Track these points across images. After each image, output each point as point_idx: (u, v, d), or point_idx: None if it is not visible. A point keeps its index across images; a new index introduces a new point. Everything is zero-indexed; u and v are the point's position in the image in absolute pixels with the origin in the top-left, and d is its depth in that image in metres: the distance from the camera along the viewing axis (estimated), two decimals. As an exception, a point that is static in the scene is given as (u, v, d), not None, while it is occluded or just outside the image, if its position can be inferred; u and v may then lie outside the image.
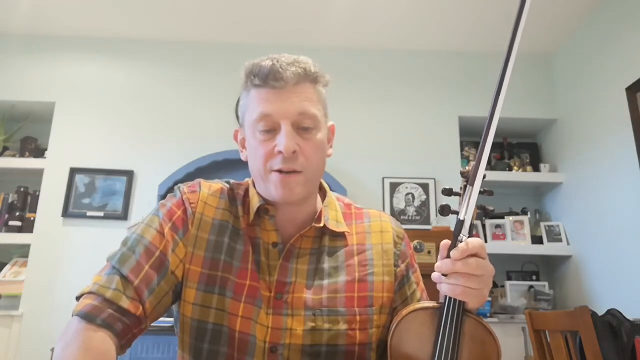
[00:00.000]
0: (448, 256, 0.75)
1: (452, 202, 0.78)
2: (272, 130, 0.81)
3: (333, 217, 0.90)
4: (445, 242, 0.77)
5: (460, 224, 0.76)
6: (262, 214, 0.86)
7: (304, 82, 0.83)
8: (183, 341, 0.83)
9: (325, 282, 0.84)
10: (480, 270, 0.74)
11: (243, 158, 0.90)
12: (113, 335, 0.72)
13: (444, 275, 0.76)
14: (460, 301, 0.75)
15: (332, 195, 0.95)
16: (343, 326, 0.81)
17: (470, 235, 0.76)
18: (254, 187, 0.89)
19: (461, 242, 0.75)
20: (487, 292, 0.76)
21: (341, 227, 0.89)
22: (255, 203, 0.86)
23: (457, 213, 0.78)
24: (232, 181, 0.94)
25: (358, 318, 0.83)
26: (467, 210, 0.76)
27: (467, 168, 0.83)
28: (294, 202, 0.83)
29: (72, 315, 0.73)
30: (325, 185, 0.95)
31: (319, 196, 0.93)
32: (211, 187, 0.90)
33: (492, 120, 0.74)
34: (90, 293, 0.75)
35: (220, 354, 0.79)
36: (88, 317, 0.71)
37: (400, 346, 0.78)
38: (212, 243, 0.83)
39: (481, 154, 0.74)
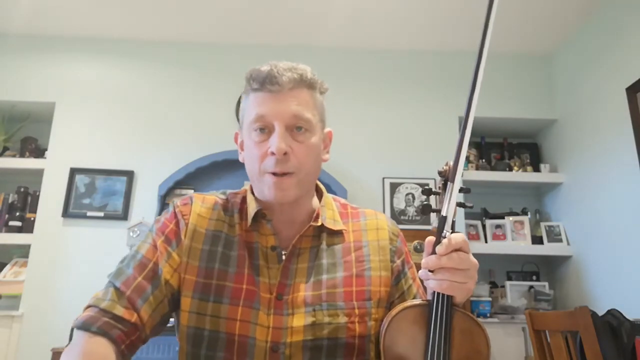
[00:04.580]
0: (433, 252, 0.77)
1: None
2: (266, 131, 0.84)
3: (330, 216, 0.92)
4: (430, 239, 0.79)
5: (442, 220, 0.79)
6: (259, 219, 0.88)
7: (300, 87, 0.86)
8: (182, 349, 0.85)
9: (324, 277, 0.86)
10: (464, 264, 0.76)
11: (240, 159, 0.94)
12: (109, 341, 0.75)
13: (430, 271, 0.78)
14: (448, 296, 0.77)
15: (328, 196, 0.97)
16: (342, 319, 0.83)
17: (453, 231, 0.79)
18: (252, 192, 0.92)
19: (445, 237, 0.77)
20: (472, 285, 0.78)
21: (338, 225, 0.92)
22: (252, 208, 0.88)
23: (438, 211, 0.81)
24: (228, 191, 0.97)
25: (357, 311, 0.84)
26: (448, 207, 0.79)
27: (444, 168, 0.85)
28: (287, 202, 0.85)
29: (72, 328, 0.77)
30: (322, 187, 0.98)
31: (315, 197, 0.95)
32: (204, 199, 0.93)
33: (468, 117, 0.79)
34: (88, 307, 0.80)
35: (216, 359, 0.81)
36: (84, 326, 0.75)
37: (392, 345, 0.79)
38: (206, 252, 0.86)
39: (460, 150, 0.78)
